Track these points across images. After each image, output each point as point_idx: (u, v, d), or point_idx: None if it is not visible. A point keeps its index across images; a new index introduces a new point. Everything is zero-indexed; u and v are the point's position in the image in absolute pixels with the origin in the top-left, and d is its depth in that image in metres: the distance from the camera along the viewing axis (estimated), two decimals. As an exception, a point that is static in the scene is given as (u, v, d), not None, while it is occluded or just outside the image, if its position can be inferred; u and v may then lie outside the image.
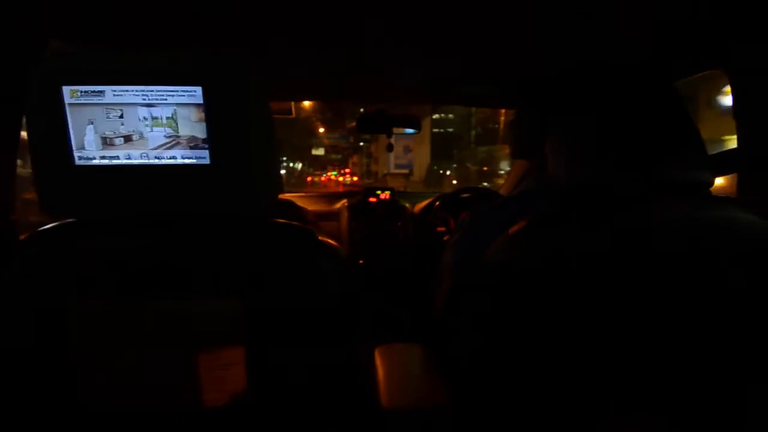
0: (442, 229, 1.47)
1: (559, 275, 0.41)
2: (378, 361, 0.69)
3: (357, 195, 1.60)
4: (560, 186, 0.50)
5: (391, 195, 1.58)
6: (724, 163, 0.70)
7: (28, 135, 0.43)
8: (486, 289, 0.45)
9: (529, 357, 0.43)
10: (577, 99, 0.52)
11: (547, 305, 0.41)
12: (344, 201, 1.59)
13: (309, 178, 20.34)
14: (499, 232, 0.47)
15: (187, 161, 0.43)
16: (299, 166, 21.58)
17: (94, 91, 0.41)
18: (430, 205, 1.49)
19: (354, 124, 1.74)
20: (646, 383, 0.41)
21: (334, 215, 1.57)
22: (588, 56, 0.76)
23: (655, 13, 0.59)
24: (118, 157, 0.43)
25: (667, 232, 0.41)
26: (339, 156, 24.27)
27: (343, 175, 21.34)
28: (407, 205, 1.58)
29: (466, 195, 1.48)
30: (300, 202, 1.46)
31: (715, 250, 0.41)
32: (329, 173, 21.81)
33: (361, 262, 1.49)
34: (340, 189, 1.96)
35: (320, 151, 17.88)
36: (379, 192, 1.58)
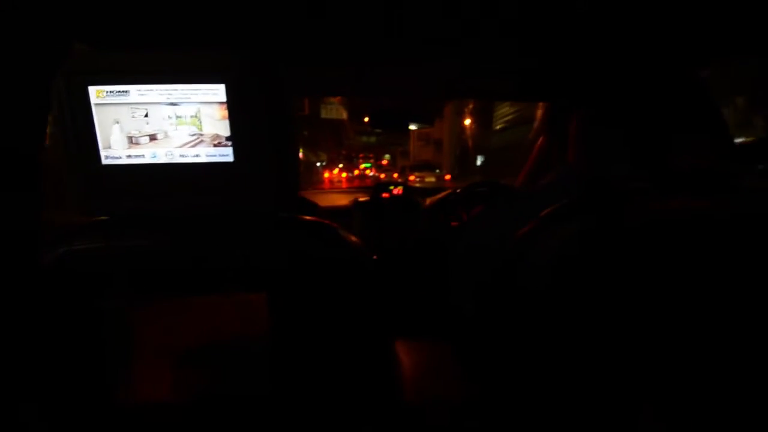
0: (456, 224, 1.45)
1: (579, 269, 0.41)
2: (399, 355, 0.69)
3: (369, 190, 1.60)
4: (582, 178, 0.50)
5: (404, 190, 1.57)
6: (759, 151, 0.67)
7: (57, 136, 0.43)
8: (513, 283, 0.45)
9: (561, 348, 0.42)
10: (596, 90, 0.51)
11: (571, 300, 0.41)
12: (356, 197, 1.59)
13: (325, 174, 12.96)
14: (522, 225, 0.46)
15: (210, 159, 0.44)
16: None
17: (119, 91, 0.41)
18: (444, 199, 1.47)
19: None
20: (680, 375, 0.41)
21: (346, 212, 1.57)
22: (609, 44, 0.74)
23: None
24: (143, 156, 0.43)
25: (678, 227, 0.41)
26: (372, 138, 14.87)
27: (383, 170, 12.84)
28: (421, 200, 1.57)
29: (480, 189, 1.47)
30: (310, 198, 1.46)
31: (727, 244, 0.40)
32: (361, 166, 13.75)
33: (374, 257, 1.49)
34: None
35: (335, 112, 7.24)
36: (392, 187, 1.57)
